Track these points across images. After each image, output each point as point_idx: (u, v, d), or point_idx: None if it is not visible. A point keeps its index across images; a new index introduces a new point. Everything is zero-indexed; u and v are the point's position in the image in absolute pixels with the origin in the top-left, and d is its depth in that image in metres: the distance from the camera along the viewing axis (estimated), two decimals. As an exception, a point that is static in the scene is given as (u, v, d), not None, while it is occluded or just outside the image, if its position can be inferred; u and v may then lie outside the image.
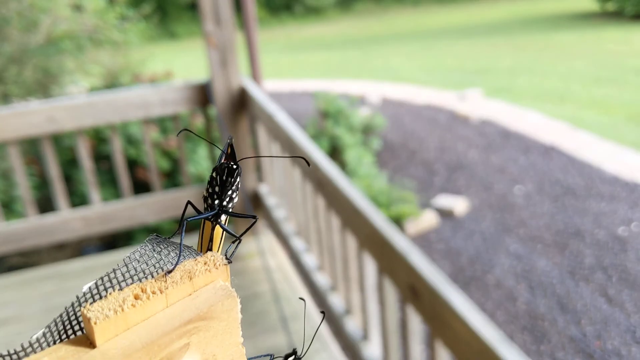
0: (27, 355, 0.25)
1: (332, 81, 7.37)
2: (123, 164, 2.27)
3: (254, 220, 0.35)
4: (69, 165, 3.14)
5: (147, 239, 0.30)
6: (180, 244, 0.30)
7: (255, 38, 2.82)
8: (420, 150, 4.68)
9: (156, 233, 0.30)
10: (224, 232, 0.34)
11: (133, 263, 0.28)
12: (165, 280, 0.27)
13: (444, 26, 11.36)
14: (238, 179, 0.33)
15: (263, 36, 9.77)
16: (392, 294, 1.34)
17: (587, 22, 9.46)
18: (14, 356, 0.25)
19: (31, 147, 3.19)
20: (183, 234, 0.32)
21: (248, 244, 2.36)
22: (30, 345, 0.25)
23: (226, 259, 0.29)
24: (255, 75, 2.84)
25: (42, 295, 2.04)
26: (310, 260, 1.97)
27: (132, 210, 2.27)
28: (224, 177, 0.32)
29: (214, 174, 0.33)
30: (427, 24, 12.08)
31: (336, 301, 1.77)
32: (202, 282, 0.28)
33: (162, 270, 0.28)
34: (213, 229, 0.34)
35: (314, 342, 1.75)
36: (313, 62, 9.30)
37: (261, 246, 2.30)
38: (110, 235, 3.14)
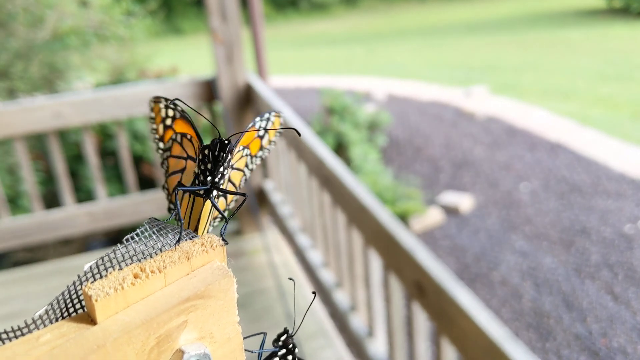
0: (30, 332, 0.26)
1: (337, 77, 7.36)
2: (129, 159, 2.27)
3: (244, 198, 0.36)
4: (75, 160, 3.15)
5: (146, 221, 0.31)
6: (180, 226, 0.31)
7: (261, 34, 2.82)
8: (425, 146, 4.68)
9: (154, 217, 0.31)
10: (212, 208, 0.35)
11: (132, 244, 0.29)
12: (164, 260, 0.28)
13: (449, 23, 11.33)
14: (230, 156, 0.34)
15: (268, 32, 9.76)
16: (397, 290, 1.34)
17: (594, 19, 9.42)
18: (18, 332, 0.25)
19: (37, 143, 3.19)
20: (179, 208, 0.33)
21: (253, 240, 2.36)
22: (34, 322, 0.26)
23: (222, 240, 0.30)
24: (261, 71, 2.84)
25: (48, 290, 2.04)
26: (315, 256, 1.97)
27: (138, 205, 2.27)
28: (217, 153, 0.33)
29: (205, 151, 0.34)
30: (433, 20, 12.05)
31: (341, 297, 1.77)
32: (199, 262, 0.29)
33: (161, 251, 0.29)
34: (204, 205, 0.34)
35: (319, 338, 1.75)
36: (318, 58, 9.29)
37: (266, 242, 2.30)
38: (115, 231, 3.15)
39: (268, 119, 0.40)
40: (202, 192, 0.34)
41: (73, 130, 3.09)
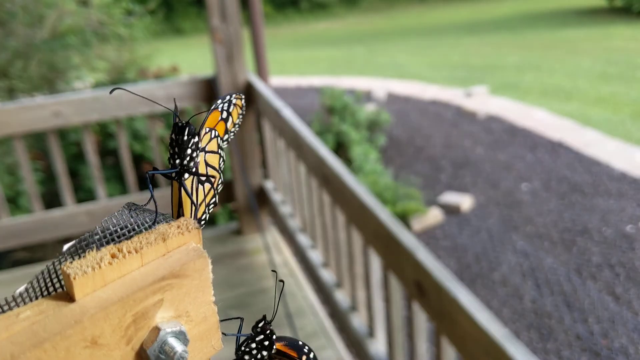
0: (10, 308, 0.26)
1: (337, 77, 7.35)
2: (129, 159, 2.26)
3: (221, 180, 0.37)
4: (75, 160, 3.14)
5: (124, 205, 0.32)
6: (155, 208, 0.32)
7: (261, 34, 2.81)
8: (426, 146, 4.67)
9: (131, 201, 0.32)
10: (207, 193, 0.36)
11: (110, 226, 0.30)
12: (141, 241, 0.28)
13: (450, 22, 11.33)
14: (195, 138, 0.34)
15: (268, 32, 9.74)
16: (397, 290, 1.34)
17: (595, 18, 9.41)
18: None
19: (37, 142, 3.19)
20: (152, 189, 0.34)
21: (254, 240, 2.35)
22: (14, 299, 0.27)
23: (198, 222, 0.31)
24: (261, 71, 2.84)
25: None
26: (315, 256, 1.96)
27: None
28: (176, 136, 0.34)
29: (173, 135, 0.34)
30: (433, 20, 12.04)
31: (341, 297, 1.77)
32: (175, 244, 0.30)
33: (137, 233, 0.30)
34: (180, 190, 0.35)
35: (319, 338, 1.74)
36: (319, 58, 9.28)
37: (267, 242, 2.30)
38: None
39: (230, 102, 0.40)
40: (173, 174, 0.35)
41: (73, 130, 3.09)
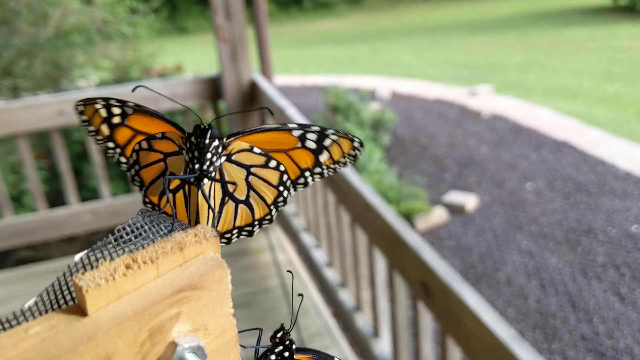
0: (19, 323, 0.25)
1: (341, 76, 7.34)
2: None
3: (235, 186, 0.35)
4: (79, 159, 3.14)
5: (138, 211, 0.30)
6: (173, 216, 0.31)
7: (266, 32, 2.81)
8: (430, 145, 4.66)
9: (146, 208, 0.31)
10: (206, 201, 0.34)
11: (124, 234, 0.28)
12: (156, 251, 0.27)
13: (454, 21, 11.30)
14: (216, 142, 0.33)
15: (272, 31, 9.74)
16: (402, 290, 1.33)
17: (599, 17, 9.38)
18: (6, 325, 0.25)
19: (41, 141, 3.19)
20: (170, 200, 0.33)
21: (258, 239, 2.35)
22: (22, 313, 0.25)
23: (216, 231, 0.30)
24: (265, 70, 2.83)
25: (51, 288, 2.03)
26: (319, 255, 1.96)
27: (142, 204, 2.26)
28: (198, 139, 0.33)
29: (192, 139, 0.33)
30: (437, 19, 12.02)
31: (346, 297, 1.76)
32: (192, 253, 0.28)
33: (153, 241, 0.28)
34: (198, 194, 0.34)
35: (324, 338, 1.74)
36: (323, 57, 9.28)
37: (271, 241, 2.29)
38: (119, 230, 3.14)
39: (324, 134, 0.36)
40: (192, 180, 0.33)
41: (77, 128, 3.09)
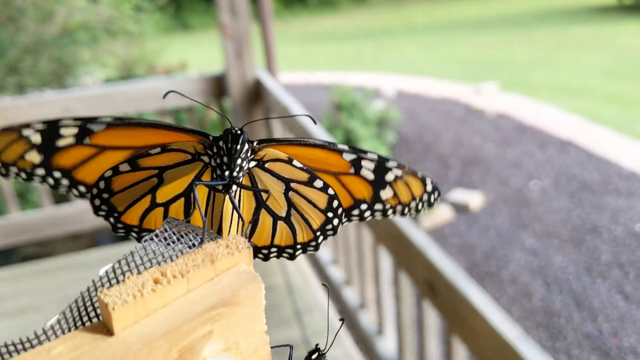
0: (40, 343, 0.24)
1: (346, 74, 7.34)
2: (138, 155, 2.26)
3: (267, 195, 0.33)
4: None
5: (165, 221, 0.29)
6: (203, 225, 0.29)
7: (271, 30, 2.81)
8: (435, 143, 4.65)
9: (173, 217, 0.29)
10: (234, 209, 0.32)
11: (152, 246, 0.27)
12: (186, 264, 0.25)
13: (459, 19, 11.28)
14: (246, 146, 0.31)
15: (277, 28, 9.73)
16: (408, 289, 1.33)
17: (604, 15, 9.35)
18: (27, 345, 0.23)
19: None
20: (201, 209, 0.31)
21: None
22: (44, 332, 0.24)
23: (249, 242, 0.28)
24: (270, 67, 2.83)
25: (57, 285, 2.04)
26: (324, 253, 1.96)
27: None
28: (229, 145, 0.31)
29: (220, 143, 0.31)
30: (442, 16, 12.00)
31: (351, 295, 1.76)
32: (224, 265, 0.26)
33: (182, 253, 0.27)
34: (224, 202, 0.32)
35: (328, 335, 1.74)
36: (327, 54, 9.27)
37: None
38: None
39: (385, 166, 0.32)
40: (220, 187, 0.31)
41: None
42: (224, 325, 0.25)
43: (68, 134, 0.31)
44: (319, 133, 1.67)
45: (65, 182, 0.33)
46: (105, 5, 3.91)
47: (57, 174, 0.32)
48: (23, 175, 0.32)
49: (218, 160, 0.31)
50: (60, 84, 3.52)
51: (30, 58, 3.36)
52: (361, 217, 0.34)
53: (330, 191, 0.33)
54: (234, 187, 0.31)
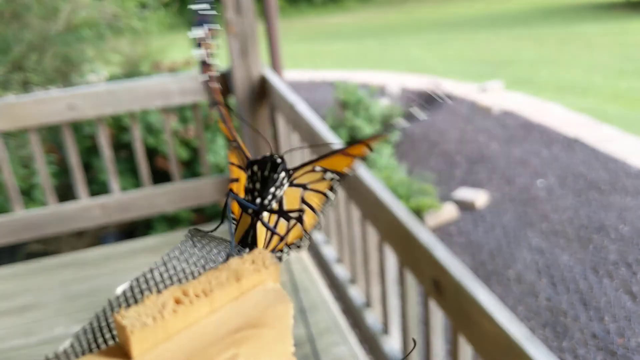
0: None
1: (351, 71, 7.32)
2: (143, 152, 2.26)
3: (300, 213, 0.33)
4: (89, 153, 3.15)
5: (187, 233, 0.27)
6: (231, 239, 0.28)
7: (276, 27, 2.80)
8: (440, 142, 4.64)
9: (195, 227, 0.28)
10: (268, 230, 0.32)
11: (173, 261, 0.25)
12: (210, 282, 0.23)
13: (464, 17, 11.25)
14: (282, 174, 0.31)
15: (282, 26, 9.72)
16: (414, 288, 1.32)
17: (611, 13, 9.30)
18: None
19: (51, 135, 3.20)
20: (231, 227, 0.30)
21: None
22: (57, 357, 0.22)
23: (277, 257, 0.27)
24: (275, 65, 2.82)
25: (61, 282, 2.04)
26: (329, 252, 1.95)
27: (151, 199, 2.26)
28: (266, 173, 0.30)
29: (254, 168, 0.30)
30: (448, 14, 11.96)
31: (355, 293, 1.75)
32: (249, 283, 0.24)
33: (205, 269, 0.25)
34: (253, 225, 0.31)
35: (333, 334, 1.73)
36: (332, 52, 9.25)
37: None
38: (129, 224, 3.15)
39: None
40: (250, 210, 0.31)
41: (87, 123, 3.09)
42: (251, 349, 0.23)
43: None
44: (321, 127, 1.66)
45: None
46: (110, 2, 3.91)
47: None
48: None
49: (251, 185, 0.31)
50: (65, 81, 3.52)
51: (35, 55, 3.36)
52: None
53: (330, 175, 0.35)
54: (264, 214, 0.31)
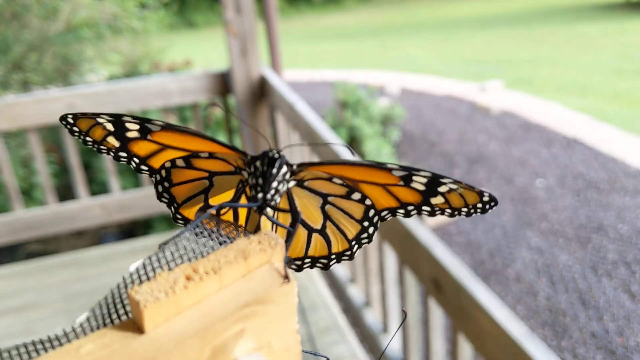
0: (69, 341, 0.23)
1: (351, 71, 7.32)
2: (142, 152, 2.26)
3: (297, 222, 0.33)
4: (89, 153, 3.15)
5: (196, 214, 0.28)
6: (235, 221, 0.29)
7: (276, 27, 2.80)
8: (440, 141, 4.64)
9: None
10: (274, 224, 0.33)
11: (183, 241, 0.26)
12: (219, 260, 0.25)
13: (464, 16, 11.25)
14: (283, 169, 0.31)
15: (282, 26, 9.72)
16: (413, 286, 1.32)
17: (611, 13, 9.30)
18: (55, 342, 0.23)
19: (51, 135, 3.20)
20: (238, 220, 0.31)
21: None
22: (73, 330, 0.23)
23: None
24: (274, 65, 2.82)
25: (61, 282, 2.04)
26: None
27: (151, 198, 2.27)
28: (265, 168, 0.31)
29: (257, 164, 0.31)
30: (447, 14, 11.96)
31: (355, 293, 1.76)
32: (256, 262, 0.26)
33: (213, 249, 0.26)
34: (260, 217, 0.32)
35: (333, 333, 1.73)
36: (332, 52, 9.26)
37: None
38: (129, 224, 3.15)
39: (438, 181, 0.32)
40: (255, 209, 0.32)
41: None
42: (256, 324, 0.25)
43: (132, 128, 0.35)
44: (321, 126, 1.67)
45: (144, 168, 0.36)
46: (110, 2, 3.91)
47: (136, 160, 0.36)
48: (112, 154, 0.36)
49: (253, 181, 0.32)
50: (64, 82, 3.52)
51: (35, 55, 3.37)
52: (406, 215, 0.35)
53: (368, 202, 0.33)
54: (269, 210, 0.32)
